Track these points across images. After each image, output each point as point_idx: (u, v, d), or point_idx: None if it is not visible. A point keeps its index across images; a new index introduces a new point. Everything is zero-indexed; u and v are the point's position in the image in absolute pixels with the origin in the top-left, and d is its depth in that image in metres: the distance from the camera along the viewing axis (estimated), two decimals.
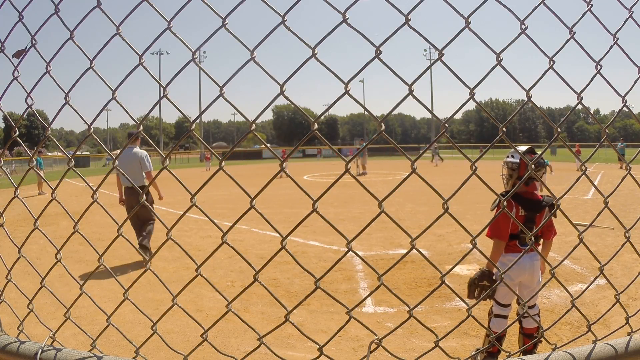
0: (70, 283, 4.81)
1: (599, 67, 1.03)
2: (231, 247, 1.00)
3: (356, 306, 1.08)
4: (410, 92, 0.91)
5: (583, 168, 1.03)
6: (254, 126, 0.93)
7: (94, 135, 1.01)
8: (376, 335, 1.01)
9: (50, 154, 37.27)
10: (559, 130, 0.96)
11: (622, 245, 1.18)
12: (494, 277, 2.74)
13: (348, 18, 0.88)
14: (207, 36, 0.93)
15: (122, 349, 3.33)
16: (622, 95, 1.04)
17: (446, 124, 0.90)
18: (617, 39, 1.03)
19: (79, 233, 1.07)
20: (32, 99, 1.07)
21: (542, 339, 1.08)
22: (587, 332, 1.12)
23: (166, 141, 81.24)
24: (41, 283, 1.14)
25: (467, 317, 1.04)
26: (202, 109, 1.07)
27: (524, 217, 2.83)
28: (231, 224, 1.00)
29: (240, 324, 3.81)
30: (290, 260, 5.52)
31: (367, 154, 24.55)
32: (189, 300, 4.43)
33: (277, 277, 5.16)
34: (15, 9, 1.06)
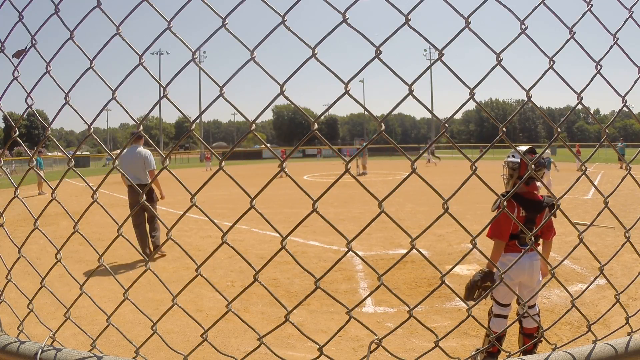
0: (70, 283, 4.81)
1: (599, 67, 1.03)
2: (231, 247, 1.00)
3: (356, 306, 1.08)
4: (410, 92, 0.91)
5: (583, 168, 1.03)
6: (254, 126, 0.93)
7: (94, 135, 1.01)
8: (376, 335, 1.01)
9: (50, 154, 37.27)
10: (559, 130, 0.96)
11: (622, 245, 1.18)
12: (494, 277, 2.74)
13: (348, 18, 0.88)
14: (207, 36, 0.93)
15: (122, 349, 3.33)
16: (622, 95, 1.04)
17: (446, 124, 0.90)
18: (617, 39, 1.03)
19: (79, 233, 1.07)
20: (32, 99, 1.07)
21: (542, 339, 1.08)
22: (587, 332, 1.12)
23: (166, 141, 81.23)
24: (41, 283, 1.14)
25: (467, 317, 1.04)
26: (202, 109, 1.07)
27: (524, 218, 2.83)
28: (231, 224, 1.00)
29: (240, 324, 3.81)
30: (290, 260, 5.52)
31: (367, 154, 24.54)
32: (189, 300, 4.43)
33: (277, 277, 5.16)
34: (15, 9, 1.06)
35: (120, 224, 1.05)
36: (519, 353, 1.26)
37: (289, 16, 0.88)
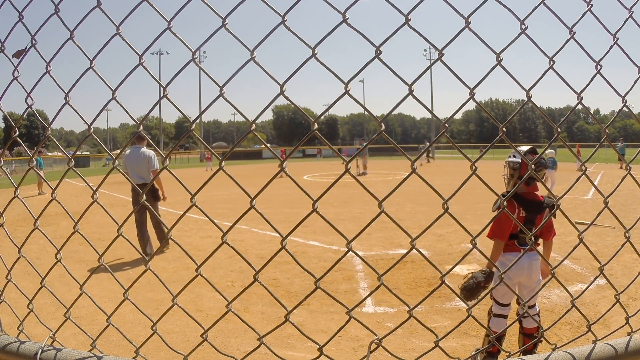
0: (70, 283, 4.81)
1: (599, 67, 1.03)
2: (231, 247, 1.00)
3: (356, 306, 1.08)
4: (410, 92, 0.91)
5: (583, 168, 1.03)
6: (254, 126, 0.93)
7: (94, 135, 1.01)
8: (376, 335, 1.01)
9: (50, 154, 37.24)
10: (559, 130, 0.96)
11: (622, 245, 1.18)
12: (493, 277, 2.74)
13: (348, 18, 0.88)
14: (207, 36, 0.93)
15: (122, 349, 3.33)
16: (622, 95, 1.04)
17: (446, 124, 0.90)
18: (617, 39, 1.03)
19: (79, 233, 1.07)
20: (32, 99, 1.07)
21: (542, 339, 1.08)
22: (587, 332, 1.12)
23: (166, 141, 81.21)
24: (41, 283, 1.14)
25: (467, 317, 1.04)
26: (202, 109, 1.07)
27: (524, 218, 2.83)
28: (231, 224, 1.00)
29: (240, 324, 3.81)
30: (290, 260, 5.52)
31: (368, 154, 24.53)
32: (189, 300, 4.43)
33: (277, 277, 5.16)
34: (15, 9, 1.06)
35: (120, 224, 1.05)
36: (519, 353, 1.26)
37: (289, 16, 0.88)
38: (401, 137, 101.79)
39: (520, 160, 2.88)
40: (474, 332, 3.61)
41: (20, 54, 1.07)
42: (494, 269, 2.78)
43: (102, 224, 8.73)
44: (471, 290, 2.72)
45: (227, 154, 1.14)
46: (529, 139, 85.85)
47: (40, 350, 1.00)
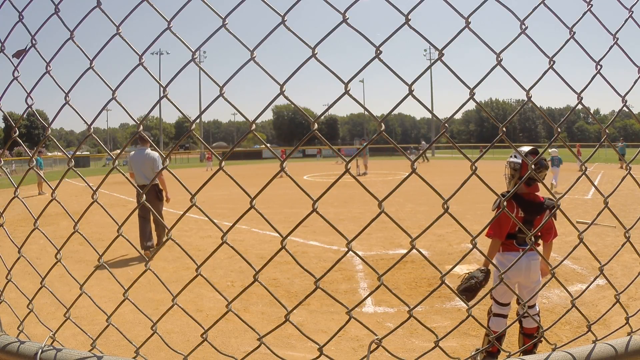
0: (70, 283, 4.81)
1: (599, 67, 1.03)
2: (231, 247, 1.00)
3: (356, 306, 1.08)
4: (410, 92, 0.91)
5: (583, 168, 1.03)
6: (254, 126, 0.93)
7: (94, 135, 1.01)
8: (376, 335, 1.01)
9: (50, 154, 37.23)
10: (559, 130, 0.96)
11: (622, 245, 1.18)
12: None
13: (348, 18, 0.88)
14: (207, 36, 0.93)
15: (122, 349, 3.33)
16: (622, 95, 1.04)
17: (446, 124, 0.90)
18: (617, 39, 1.03)
19: (79, 233, 1.07)
20: (32, 99, 1.07)
21: (542, 339, 1.08)
22: (587, 332, 1.12)
23: (166, 141, 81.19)
24: (41, 283, 1.14)
25: (467, 317, 1.04)
26: (202, 109, 1.07)
27: (522, 219, 2.83)
28: (231, 224, 1.00)
29: (240, 324, 3.81)
30: (290, 260, 5.52)
31: (368, 154, 24.52)
32: (189, 300, 4.43)
33: (277, 277, 5.16)
34: (15, 9, 1.06)
35: (120, 224, 1.05)
36: (519, 353, 1.26)
37: (289, 16, 0.88)
38: (401, 137, 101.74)
39: (521, 161, 2.88)
40: (474, 332, 3.61)
41: (20, 54, 1.07)
42: (490, 267, 2.80)
43: (102, 224, 8.73)
44: (473, 290, 2.72)
45: (227, 154, 1.14)
46: (529, 139, 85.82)
47: (40, 350, 1.00)
